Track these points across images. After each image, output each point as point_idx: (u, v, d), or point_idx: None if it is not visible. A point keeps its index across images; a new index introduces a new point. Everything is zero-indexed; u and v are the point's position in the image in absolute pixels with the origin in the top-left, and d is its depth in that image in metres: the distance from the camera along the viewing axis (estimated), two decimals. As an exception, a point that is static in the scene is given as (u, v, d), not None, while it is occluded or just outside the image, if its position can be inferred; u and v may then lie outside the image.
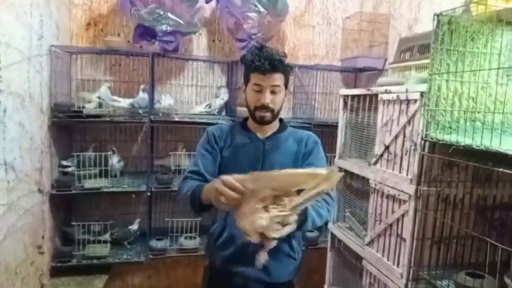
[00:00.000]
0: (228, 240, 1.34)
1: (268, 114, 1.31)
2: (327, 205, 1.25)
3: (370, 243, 1.81)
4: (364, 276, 1.85)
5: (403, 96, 1.60)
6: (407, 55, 2.18)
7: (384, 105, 1.76)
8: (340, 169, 2.08)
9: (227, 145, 1.37)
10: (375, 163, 1.80)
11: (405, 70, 2.12)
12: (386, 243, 1.70)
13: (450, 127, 1.45)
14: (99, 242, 2.60)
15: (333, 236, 2.22)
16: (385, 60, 2.90)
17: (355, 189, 2.08)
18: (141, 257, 2.60)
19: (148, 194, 2.57)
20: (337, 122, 2.42)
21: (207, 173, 1.34)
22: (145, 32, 2.40)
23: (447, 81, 1.44)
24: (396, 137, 1.65)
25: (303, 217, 1.13)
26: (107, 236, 2.68)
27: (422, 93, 1.49)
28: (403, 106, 1.61)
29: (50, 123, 2.36)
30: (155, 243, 2.64)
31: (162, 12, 2.42)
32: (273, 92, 1.29)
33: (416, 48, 2.11)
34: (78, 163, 2.50)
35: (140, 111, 2.50)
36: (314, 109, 3.00)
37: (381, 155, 1.75)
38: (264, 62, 1.30)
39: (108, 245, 2.62)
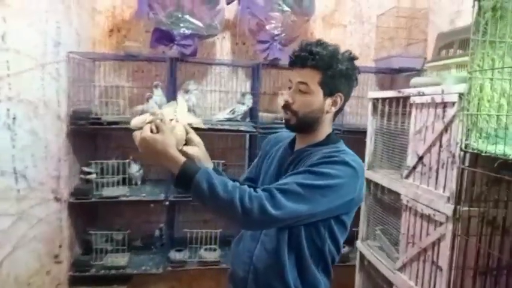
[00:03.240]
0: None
1: (290, 117, 1.12)
2: (241, 191, 0.98)
3: (402, 269, 1.57)
4: (395, 306, 1.62)
5: (438, 99, 1.37)
6: (446, 52, 1.92)
7: (416, 109, 1.53)
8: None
9: (270, 152, 1.27)
10: (407, 176, 1.56)
11: (444, 69, 1.86)
12: (420, 270, 1.46)
13: (496, 135, 1.21)
14: (118, 251, 2.54)
15: (362, 255, 1.99)
16: (425, 59, 2.61)
17: (386, 204, 1.85)
18: (159, 268, 2.50)
19: (167, 203, 2.47)
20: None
21: (248, 176, 1.35)
22: (163, 36, 2.32)
23: (492, 79, 1.20)
24: (431, 146, 1.41)
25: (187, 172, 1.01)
26: (138, 242, 2.69)
27: (461, 95, 1.25)
28: (439, 110, 1.38)
29: (68, 131, 2.32)
30: (174, 255, 2.53)
31: (180, 15, 2.32)
32: (300, 91, 1.10)
33: (456, 44, 1.84)
34: (99, 171, 2.47)
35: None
36: (345, 114, 2.78)
37: (414, 167, 1.52)
38: (293, 53, 1.12)
39: (128, 254, 2.55)
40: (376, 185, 1.85)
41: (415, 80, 1.68)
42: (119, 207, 2.79)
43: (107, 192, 2.44)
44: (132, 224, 2.80)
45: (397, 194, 1.68)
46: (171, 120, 1.15)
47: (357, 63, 1.18)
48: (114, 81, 2.75)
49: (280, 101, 1.19)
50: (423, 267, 1.42)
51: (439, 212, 1.32)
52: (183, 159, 1.03)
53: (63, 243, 2.32)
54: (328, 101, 1.11)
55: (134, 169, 2.58)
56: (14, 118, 1.74)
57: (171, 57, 2.41)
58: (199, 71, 2.84)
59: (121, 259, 2.49)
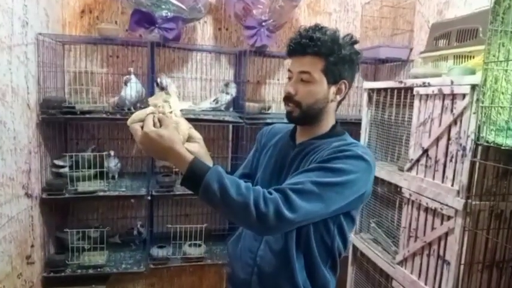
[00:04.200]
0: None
1: (293, 109, 1.05)
2: (255, 194, 0.90)
3: (403, 262, 1.55)
4: (395, 300, 1.60)
5: (446, 90, 1.33)
6: (442, 43, 1.90)
7: (420, 100, 1.49)
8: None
9: (267, 145, 1.19)
10: (410, 169, 1.53)
11: (440, 60, 1.84)
12: (423, 264, 1.44)
13: (509, 128, 1.18)
14: (95, 249, 2.38)
15: (355, 248, 1.96)
16: (411, 50, 2.61)
17: (381, 196, 1.82)
18: (141, 266, 2.37)
19: (149, 198, 2.33)
20: (356, 119, 2.17)
21: (243, 172, 1.27)
22: (143, 19, 2.15)
23: (506, 71, 1.17)
24: (438, 139, 1.38)
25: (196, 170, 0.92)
26: (116, 239, 2.55)
27: (474, 87, 1.22)
28: (447, 102, 1.34)
29: (38, 121, 2.12)
30: (156, 252, 2.40)
31: (162, -4, 2.16)
32: (302, 81, 1.02)
33: (453, 34, 1.82)
34: (72, 164, 2.28)
35: (126, 108, 2.25)
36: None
37: (418, 160, 1.49)
38: (292, 41, 1.04)
39: (106, 252, 2.39)
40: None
41: (415, 71, 1.64)
42: (93, 203, 2.63)
43: (83, 187, 2.27)
44: (107, 219, 2.65)
45: (395, 186, 1.65)
46: (170, 113, 1.05)
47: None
48: (86, 66, 2.55)
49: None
50: (427, 261, 1.40)
51: (447, 205, 1.30)
52: (191, 156, 0.94)
53: (36, 242, 2.14)
54: (333, 89, 1.05)
55: (112, 163, 2.41)
56: (-21, 107, 1.54)
57: (152, 41, 2.25)
58: (179, 57, 2.69)
59: (98, 257, 2.34)
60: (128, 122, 1.00)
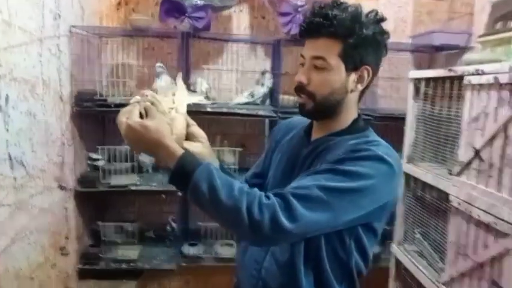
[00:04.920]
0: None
1: (306, 101, 0.90)
2: (249, 198, 0.77)
3: (449, 283, 1.32)
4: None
5: (504, 79, 1.09)
6: (504, 24, 1.60)
7: (473, 91, 1.24)
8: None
9: (281, 141, 1.06)
10: (459, 174, 1.29)
11: (501, 44, 1.54)
12: (473, 287, 1.21)
13: None
14: (128, 243, 2.38)
15: (398, 261, 1.74)
16: (470, 35, 2.28)
17: (429, 203, 1.59)
18: (172, 263, 2.33)
19: (179, 193, 2.28)
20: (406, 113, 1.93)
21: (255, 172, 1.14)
22: (173, 8, 2.08)
23: None
24: (493, 138, 1.14)
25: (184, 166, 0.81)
26: (150, 233, 2.56)
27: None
28: (505, 93, 1.10)
29: (72, 113, 2.14)
30: (188, 249, 2.35)
31: (192, -16, 2.07)
32: (316, 68, 0.87)
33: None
34: (108, 157, 2.31)
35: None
36: (377, 97, 2.51)
37: (468, 163, 1.25)
38: (305, 20, 0.90)
39: (139, 247, 2.39)
40: (416, 180, 1.58)
41: (469, 56, 1.39)
42: (130, 197, 2.63)
43: (116, 180, 2.28)
44: (144, 214, 2.65)
45: (444, 193, 1.42)
46: (171, 109, 0.94)
47: (392, 39, 0.93)
48: (122, 59, 2.54)
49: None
50: (478, 285, 1.17)
51: (502, 220, 1.07)
52: (181, 151, 0.83)
53: (70, 234, 2.18)
54: (353, 76, 0.88)
55: (146, 157, 2.39)
56: (6, 99, 1.56)
57: (183, 31, 2.17)
58: (214, 49, 2.60)
59: (131, 252, 2.34)
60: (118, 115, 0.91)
